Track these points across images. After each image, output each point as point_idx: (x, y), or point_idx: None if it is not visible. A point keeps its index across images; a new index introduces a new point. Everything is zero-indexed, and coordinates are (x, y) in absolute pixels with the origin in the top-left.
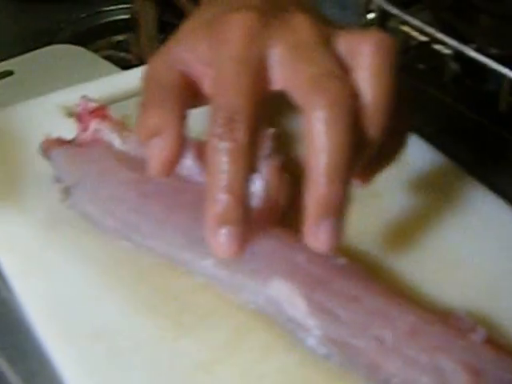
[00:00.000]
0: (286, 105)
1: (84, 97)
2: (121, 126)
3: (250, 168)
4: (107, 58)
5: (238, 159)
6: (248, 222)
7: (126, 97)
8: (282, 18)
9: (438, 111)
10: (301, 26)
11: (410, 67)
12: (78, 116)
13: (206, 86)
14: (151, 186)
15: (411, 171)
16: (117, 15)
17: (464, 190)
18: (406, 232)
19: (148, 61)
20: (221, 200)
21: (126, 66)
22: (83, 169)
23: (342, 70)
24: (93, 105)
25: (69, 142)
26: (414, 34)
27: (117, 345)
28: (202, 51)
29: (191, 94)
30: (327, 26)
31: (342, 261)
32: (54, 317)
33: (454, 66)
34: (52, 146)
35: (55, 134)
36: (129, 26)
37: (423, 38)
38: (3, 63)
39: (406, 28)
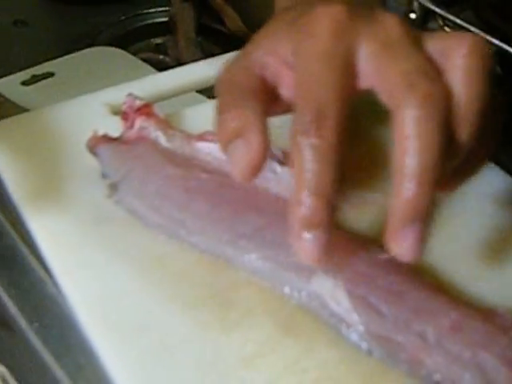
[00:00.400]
0: None
1: (130, 95)
2: (166, 124)
3: (339, 168)
4: (146, 60)
5: (328, 158)
6: (334, 226)
7: (169, 96)
8: (371, 15)
9: None
10: (390, 23)
11: None
12: (124, 114)
13: (287, 89)
14: (196, 182)
15: None
16: (155, 18)
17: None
18: (449, 229)
19: (223, 67)
20: (307, 202)
21: (164, 68)
22: (129, 165)
23: (434, 69)
24: (138, 103)
25: (115, 139)
26: None
27: (161, 340)
28: (284, 52)
29: (270, 98)
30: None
31: (385, 256)
32: (99, 312)
33: (495, 66)
34: (98, 143)
35: (102, 132)
36: (167, 28)
37: None
38: (44, 65)
39: (447, 29)
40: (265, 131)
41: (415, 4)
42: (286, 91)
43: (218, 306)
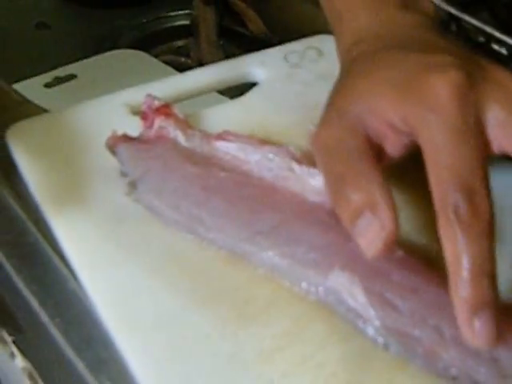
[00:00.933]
0: None
1: (149, 95)
2: (185, 124)
3: (494, 246)
4: (168, 62)
5: (487, 235)
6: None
7: (190, 96)
8: (485, 73)
9: None
10: (507, 81)
11: None
12: (143, 114)
13: (391, 149)
14: (214, 181)
15: None
16: (177, 20)
17: None
18: None
19: (318, 130)
20: (474, 283)
21: (185, 70)
22: (148, 163)
23: None
24: (157, 103)
25: (134, 139)
26: (471, 35)
27: (179, 335)
28: (390, 116)
29: (378, 157)
30: None
31: (400, 253)
32: (118, 307)
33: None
34: (118, 142)
35: (121, 131)
36: (189, 31)
37: (481, 39)
38: (67, 67)
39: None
40: (393, 205)
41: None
42: (390, 151)
43: (236, 301)
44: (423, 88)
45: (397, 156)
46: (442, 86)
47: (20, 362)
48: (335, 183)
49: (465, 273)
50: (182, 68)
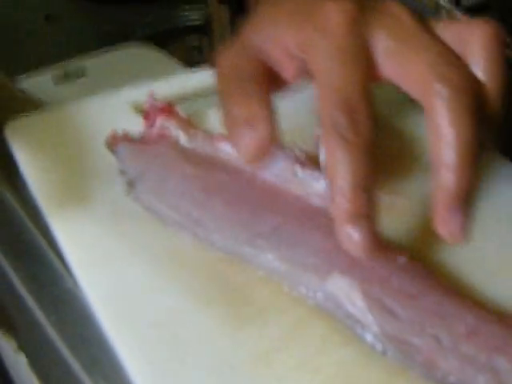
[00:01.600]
0: None
1: (151, 94)
2: (187, 124)
3: (375, 161)
4: (180, 60)
5: (366, 152)
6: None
7: (194, 96)
8: (381, 8)
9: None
10: (401, 13)
11: None
12: (145, 113)
13: (287, 75)
14: (214, 181)
15: None
16: (190, 18)
17: None
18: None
19: (221, 53)
20: (351, 196)
21: (197, 67)
22: (148, 163)
23: (456, 57)
24: (160, 102)
25: (135, 138)
26: None
27: (177, 335)
28: (286, 42)
29: (272, 81)
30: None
31: (402, 259)
32: (115, 307)
33: None
34: (118, 141)
35: (123, 130)
36: (202, 28)
37: None
38: (76, 61)
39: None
40: (273, 118)
41: (442, 11)
42: (286, 77)
43: (234, 302)
44: (317, 15)
45: (293, 81)
46: (334, 12)
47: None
48: (223, 101)
49: (343, 183)
50: (194, 65)
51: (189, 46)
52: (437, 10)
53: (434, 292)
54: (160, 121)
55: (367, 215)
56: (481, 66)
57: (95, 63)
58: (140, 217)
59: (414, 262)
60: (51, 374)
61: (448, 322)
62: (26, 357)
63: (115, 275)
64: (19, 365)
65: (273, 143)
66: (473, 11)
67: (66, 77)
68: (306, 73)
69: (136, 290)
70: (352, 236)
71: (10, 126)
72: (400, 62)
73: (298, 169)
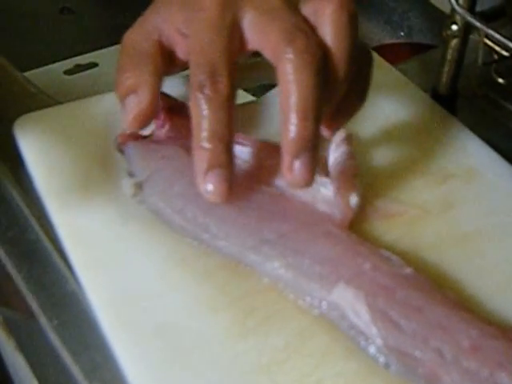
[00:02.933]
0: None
1: (163, 93)
2: None
3: (233, 116)
4: None
5: (224, 107)
6: (234, 167)
7: None
8: None
9: None
10: None
11: (491, 81)
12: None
13: (181, 53)
14: None
15: (483, 183)
16: None
17: None
18: (473, 244)
19: (127, 31)
20: (209, 146)
21: None
22: (156, 165)
23: (309, 26)
24: (171, 102)
25: (144, 138)
26: (497, 48)
27: (178, 342)
28: (176, 21)
29: (166, 61)
30: None
31: (408, 270)
32: (118, 311)
33: None
34: (127, 141)
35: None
36: None
37: (505, 53)
38: (88, 55)
39: (488, 42)
40: (155, 88)
41: (457, 16)
42: (180, 55)
43: (238, 311)
44: None
45: (186, 58)
46: None
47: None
48: (118, 74)
49: (203, 134)
50: None
51: None
52: (451, 16)
53: (439, 305)
54: (170, 121)
55: (224, 164)
56: (329, 32)
57: (107, 56)
58: (146, 220)
59: (420, 274)
60: (50, 377)
61: (452, 336)
62: (27, 359)
63: (119, 279)
64: (18, 365)
65: (153, 110)
66: (488, 17)
67: (77, 67)
68: None
69: (140, 294)
70: (208, 185)
71: (18, 122)
72: (261, 31)
73: None
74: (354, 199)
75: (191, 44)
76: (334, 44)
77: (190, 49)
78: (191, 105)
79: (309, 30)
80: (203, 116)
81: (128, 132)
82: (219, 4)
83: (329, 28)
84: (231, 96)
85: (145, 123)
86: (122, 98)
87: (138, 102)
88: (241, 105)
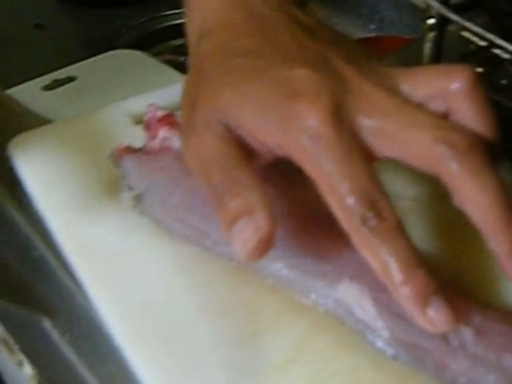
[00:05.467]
0: None
1: (152, 105)
2: None
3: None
4: (167, 62)
5: (402, 232)
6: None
7: None
8: (347, 87)
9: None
10: (372, 90)
11: None
12: (147, 124)
13: (262, 159)
14: None
15: None
16: (175, 19)
17: None
18: (467, 233)
19: (187, 139)
20: (416, 278)
21: (185, 69)
22: (153, 176)
23: (449, 121)
24: (161, 113)
25: (138, 150)
26: (474, 39)
27: (190, 348)
28: (267, 139)
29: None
30: (371, 59)
31: None
32: (128, 321)
33: None
34: (122, 155)
35: (124, 142)
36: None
37: (482, 43)
38: (66, 69)
39: (466, 33)
40: (269, 207)
41: (433, 10)
42: (260, 160)
43: (245, 313)
44: (294, 117)
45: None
46: (315, 115)
47: (28, 370)
48: (215, 193)
49: (397, 275)
50: (181, 67)
51: (174, 47)
52: (427, 10)
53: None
54: (162, 132)
55: (434, 290)
56: (471, 118)
57: (84, 69)
58: (148, 230)
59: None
60: None
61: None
62: (43, 377)
63: (126, 290)
64: (22, 379)
65: (273, 233)
66: (461, 10)
67: (55, 82)
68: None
69: (148, 304)
70: (431, 316)
71: (12, 142)
72: (398, 141)
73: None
74: None
75: (323, 182)
76: (482, 131)
77: (325, 188)
78: (358, 244)
79: (451, 124)
80: (384, 252)
81: (122, 147)
82: (334, 124)
83: (469, 114)
84: (398, 218)
85: (266, 252)
86: (231, 225)
87: (256, 227)
88: None
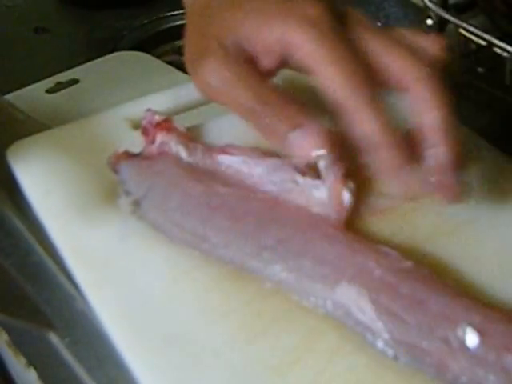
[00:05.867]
0: None
1: (149, 110)
2: (187, 137)
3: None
4: (170, 63)
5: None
6: None
7: (191, 108)
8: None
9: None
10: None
11: (471, 70)
12: (144, 129)
13: (263, 68)
14: (217, 197)
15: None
16: (178, 20)
17: None
18: (467, 234)
19: (204, 63)
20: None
21: None
22: (151, 181)
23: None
24: (158, 118)
25: (136, 155)
26: (474, 38)
27: (189, 351)
28: (268, 36)
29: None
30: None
31: (407, 264)
32: (128, 325)
33: None
34: (120, 160)
35: (122, 147)
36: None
37: (482, 42)
38: (69, 72)
39: (465, 33)
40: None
41: (430, 12)
42: (266, 63)
43: (245, 316)
44: (295, 10)
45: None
46: (313, 6)
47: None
48: (252, 116)
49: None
50: (184, 68)
51: (178, 47)
52: (425, 10)
53: (441, 295)
54: (160, 137)
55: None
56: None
57: (87, 71)
58: (147, 234)
59: (420, 266)
60: None
61: (456, 324)
62: (42, 381)
63: (126, 294)
64: (29, 381)
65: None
66: (461, 8)
67: (58, 85)
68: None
69: (147, 307)
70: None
71: (12, 148)
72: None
73: (298, 177)
74: (346, 198)
75: (318, 63)
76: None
77: (319, 68)
78: (354, 116)
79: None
80: (370, 119)
81: (120, 152)
82: (328, 14)
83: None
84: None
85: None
86: (285, 134)
87: (312, 133)
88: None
